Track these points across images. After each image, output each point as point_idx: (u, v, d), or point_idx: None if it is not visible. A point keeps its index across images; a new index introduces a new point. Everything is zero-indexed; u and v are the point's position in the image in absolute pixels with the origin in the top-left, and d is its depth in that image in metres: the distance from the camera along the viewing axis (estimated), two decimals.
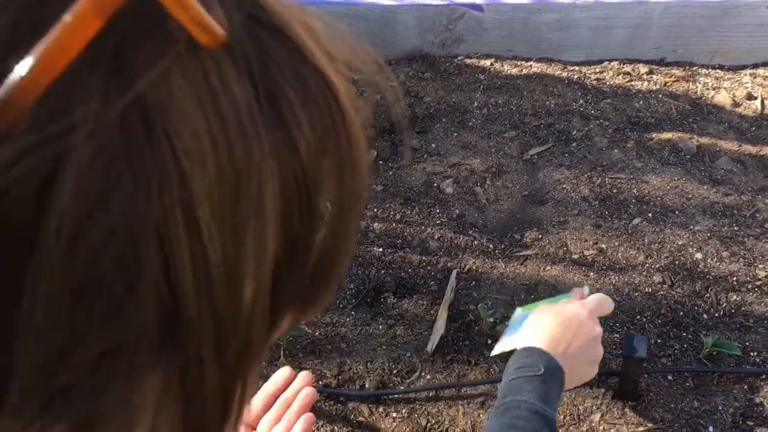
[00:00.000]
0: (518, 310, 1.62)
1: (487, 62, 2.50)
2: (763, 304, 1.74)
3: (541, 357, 1.00)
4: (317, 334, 1.70)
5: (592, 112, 2.32)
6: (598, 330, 1.07)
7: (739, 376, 1.59)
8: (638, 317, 1.72)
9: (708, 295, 1.77)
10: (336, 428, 1.51)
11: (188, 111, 0.26)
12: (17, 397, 0.26)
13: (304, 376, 1.01)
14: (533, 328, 1.07)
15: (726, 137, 2.21)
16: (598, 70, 2.49)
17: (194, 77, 0.27)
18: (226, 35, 0.27)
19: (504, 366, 1.10)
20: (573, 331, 1.04)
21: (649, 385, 1.58)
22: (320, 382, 1.60)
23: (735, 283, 1.79)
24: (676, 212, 1.96)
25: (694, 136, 2.21)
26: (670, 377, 1.59)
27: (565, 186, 2.05)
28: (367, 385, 1.59)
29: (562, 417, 1.52)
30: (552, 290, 1.78)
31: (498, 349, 1.28)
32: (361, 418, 1.54)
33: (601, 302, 1.13)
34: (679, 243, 1.88)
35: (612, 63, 2.51)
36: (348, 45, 0.36)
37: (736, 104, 2.35)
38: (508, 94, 2.38)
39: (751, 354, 1.64)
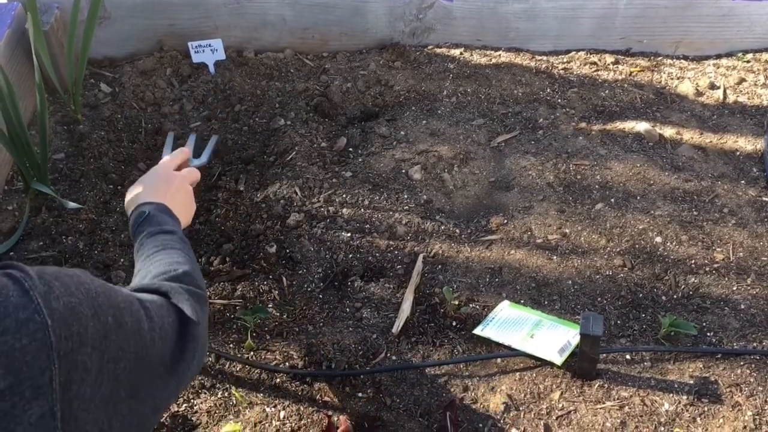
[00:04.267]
0: (506, 303, 1.69)
1: (457, 51, 2.53)
2: (720, 286, 1.79)
3: (146, 205, 1.35)
4: (285, 316, 1.73)
5: (559, 100, 2.36)
6: (189, 188, 1.52)
7: (695, 355, 1.64)
8: (599, 299, 1.77)
9: (667, 277, 1.81)
10: (302, 408, 1.54)
11: None
12: None
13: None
14: (143, 186, 1.43)
15: (688, 125, 2.26)
16: (565, 60, 2.53)
17: None
18: None
19: (485, 346, 1.66)
20: (173, 186, 1.45)
21: (607, 365, 1.62)
22: (287, 364, 1.62)
23: (693, 265, 1.84)
24: (638, 198, 2.01)
25: (658, 124, 2.26)
26: (628, 357, 1.64)
27: (530, 172, 2.09)
28: (333, 366, 1.62)
29: (522, 395, 1.56)
30: (516, 274, 1.82)
31: (483, 332, 1.67)
32: (327, 398, 1.57)
33: (192, 173, 1.57)
34: (640, 227, 1.92)
35: (579, 53, 2.55)
36: None
37: (699, 93, 2.40)
38: (476, 82, 2.41)
39: (708, 334, 1.69)
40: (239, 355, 1.65)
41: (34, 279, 0.72)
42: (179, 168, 1.59)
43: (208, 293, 1.76)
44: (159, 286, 1.07)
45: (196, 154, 1.88)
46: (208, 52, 2.40)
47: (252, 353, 1.65)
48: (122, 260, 1.84)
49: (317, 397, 1.57)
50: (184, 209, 1.45)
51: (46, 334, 0.68)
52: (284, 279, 1.80)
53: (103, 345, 0.76)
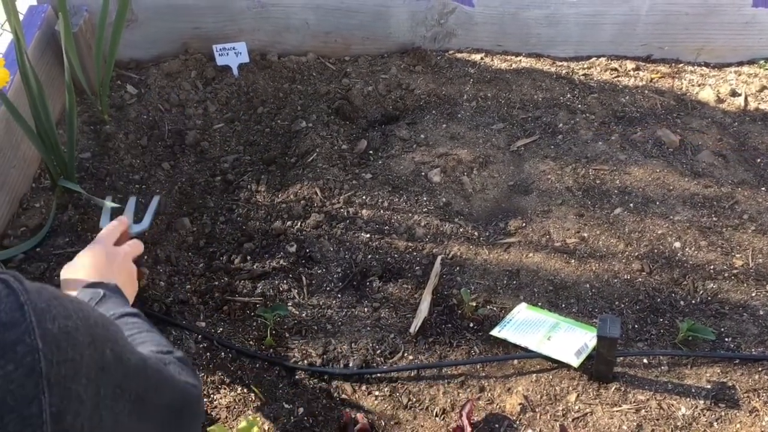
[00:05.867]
0: (523, 305, 1.70)
1: (478, 56, 2.55)
2: (738, 292, 1.79)
3: (98, 286, 1.23)
4: (304, 315, 1.75)
5: (579, 106, 2.37)
6: (132, 266, 1.42)
7: (712, 360, 1.64)
8: (617, 303, 1.77)
9: (685, 282, 1.81)
10: (320, 405, 1.56)
11: None
12: None
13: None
14: (84, 266, 1.33)
15: (709, 132, 2.26)
16: (586, 66, 2.53)
17: None
18: None
19: (501, 347, 1.67)
20: (115, 266, 1.36)
21: (624, 368, 1.62)
22: (305, 361, 1.64)
23: (712, 271, 1.84)
24: (657, 203, 2.01)
25: (678, 130, 2.26)
26: (645, 360, 1.64)
27: (549, 177, 2.10)
28: (351, 365, 1.64)
29: (538, 397, 1.57)
30: (534, 276, 1.83)
31: (500, 334, 1.67)
32: (344, 396, 1.59)
33: (135, 247, 1.48)
34: (659, 232, 1.93)
35: (600, 59, 2.56)
36: None
37: (720, 100, 2.39)
38: (497, 87, 2.43)
39: (726, 339, 1.69)
40: (259, 352, 1.67)
41: (32, 293, 0.66)
42: (119, 240, 1.50)
43: (230, 290, 1.79)
44: (161, 359, 0.99)
45: (137, 218, 1.74)
46: (232, 55, 2.44)
47: (271, 350, 1.67)
48: (146, 257, 1.87)
49: (335, 394, 1.59)
50: (127, 290, 1.33)
51: (36, 359, 0.62)
52: (304, 278, 1.83)
53: (99, 378, 0.70)
